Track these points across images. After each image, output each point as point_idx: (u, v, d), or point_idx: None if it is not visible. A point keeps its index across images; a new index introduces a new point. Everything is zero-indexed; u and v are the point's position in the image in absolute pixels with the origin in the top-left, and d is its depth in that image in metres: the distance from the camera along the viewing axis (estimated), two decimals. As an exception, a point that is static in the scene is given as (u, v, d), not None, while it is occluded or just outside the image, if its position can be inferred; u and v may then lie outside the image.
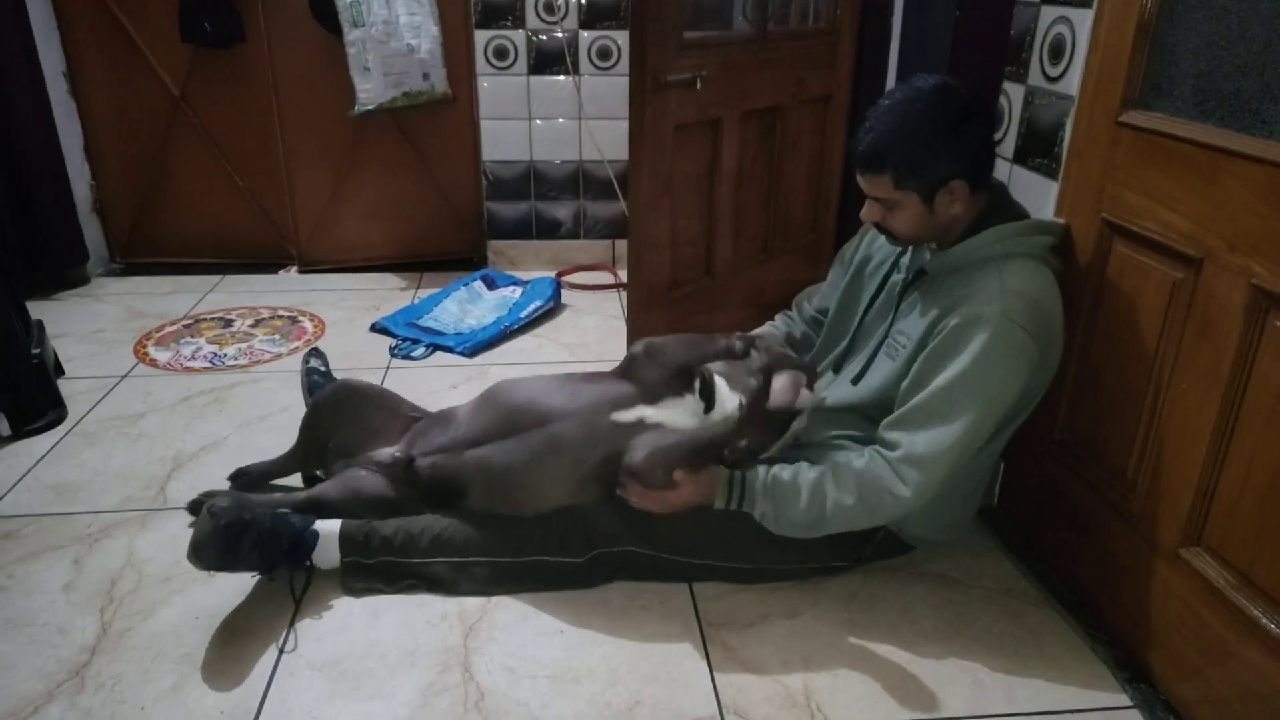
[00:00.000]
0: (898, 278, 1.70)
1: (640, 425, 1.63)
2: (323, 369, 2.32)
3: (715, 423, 1.58)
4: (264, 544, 1.58)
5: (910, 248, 1.68)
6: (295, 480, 1.99)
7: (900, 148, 1.47)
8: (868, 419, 1.65)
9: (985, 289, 1.47)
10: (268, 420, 2.30)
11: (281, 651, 1.53)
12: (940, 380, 1.47)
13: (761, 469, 1.60)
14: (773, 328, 2.09)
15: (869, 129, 1.51)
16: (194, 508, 1.82)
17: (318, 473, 1.98)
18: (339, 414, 1.89)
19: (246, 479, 1.96)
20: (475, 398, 1.82)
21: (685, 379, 1.67)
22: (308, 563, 1.66)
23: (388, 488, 1.75)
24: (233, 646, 1.54)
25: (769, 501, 1.58)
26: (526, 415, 1.68)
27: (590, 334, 2.92)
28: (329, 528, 1.68)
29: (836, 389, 1.75)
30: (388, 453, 1.79)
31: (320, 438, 1.90)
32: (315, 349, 2.41)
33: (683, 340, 1.70)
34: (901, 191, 1.50)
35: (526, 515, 1.69)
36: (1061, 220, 1.67)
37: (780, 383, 1.60)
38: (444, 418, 1.83)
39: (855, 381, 1.70)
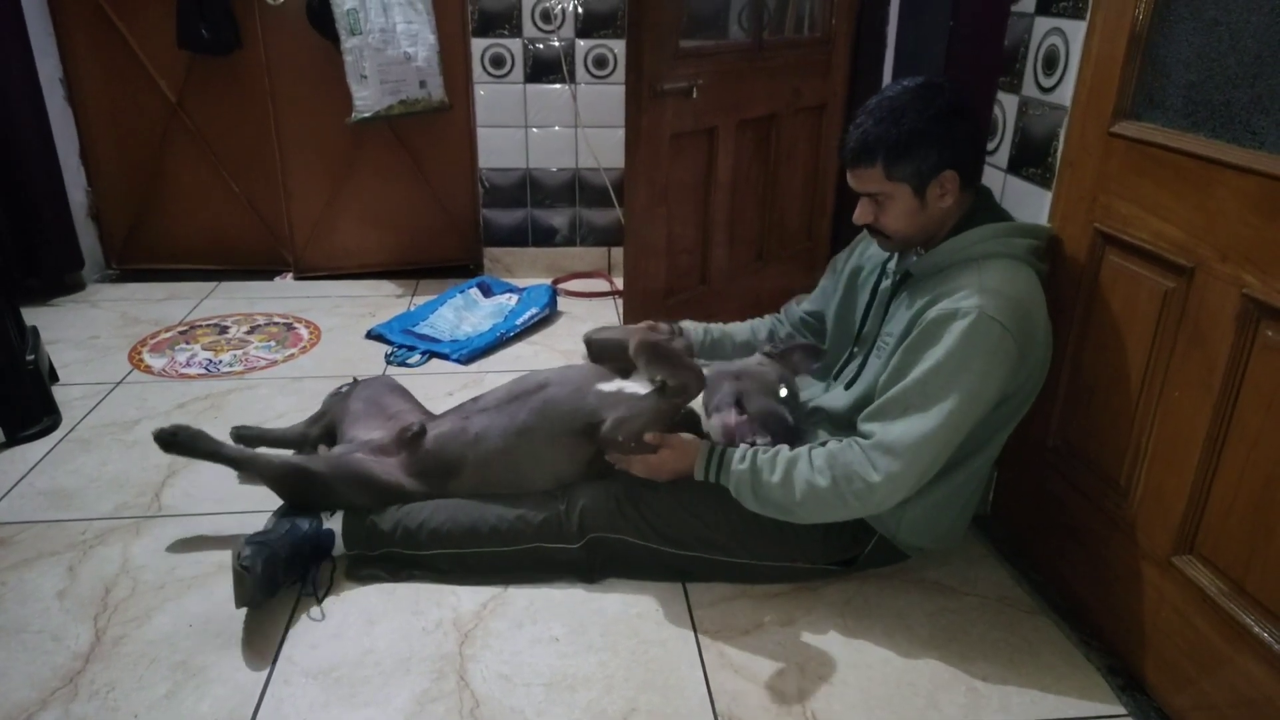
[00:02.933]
0: (887, 283, 1.72)
1: (620, 393, 1.73)
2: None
3: (671, 389, 1.65)
4: (294, 564, 1.65)
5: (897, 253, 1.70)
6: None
7: (888, 137, 1.50)
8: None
9: (964, 286, 1.48)
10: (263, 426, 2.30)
11: (273, 634, 1.54)
12: (916, 372, 1.48)
13: (742, 445, 1.63)
14: (757, 323, 2.09)
15: (857, 125, 1.55)
16: (163, 440, 1.79)
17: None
18: (370, 395, 2.02)
19: (246, 436, 2.03)
20: None
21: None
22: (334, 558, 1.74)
23: (383, 470, 1.78)
24: (227, 654, 1.54)
25: (745, 473, 1.59)
26: (527, 381, 1.84)
27: (586, 341, 2.92)
28: (331, 525, 1.74)
29: (834, 395, 1.76)
30: (400, 427, 1.87)
31: (339, 416, 1.99)
32: (354, 379, 2.43)
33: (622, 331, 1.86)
34: (893, 183, 1.53)
35: (516, 488, 1.75)
36: (1046, 224, 1.68)
37: (716, 420, 1.67)
38: (472, 400, 1.92)
39: (849, 386, 1.73)
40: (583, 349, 1.92)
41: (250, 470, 1.78)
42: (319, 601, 1.66)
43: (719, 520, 1.66)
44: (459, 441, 1.78)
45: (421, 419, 1.91)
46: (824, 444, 1.58)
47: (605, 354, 1.84)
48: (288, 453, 1.92)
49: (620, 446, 1.67)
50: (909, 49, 2.59)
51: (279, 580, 1.61)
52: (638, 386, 1.74)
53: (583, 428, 1.72)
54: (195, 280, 3.42)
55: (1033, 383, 1.59)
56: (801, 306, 2.02)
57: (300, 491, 1.75)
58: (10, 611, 1.63)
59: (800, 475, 1.54)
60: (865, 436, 1.53)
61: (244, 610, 1.63)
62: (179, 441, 1.78)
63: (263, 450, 1.81)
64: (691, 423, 1.74)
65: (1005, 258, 1.53)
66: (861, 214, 1.61)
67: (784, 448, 1.60)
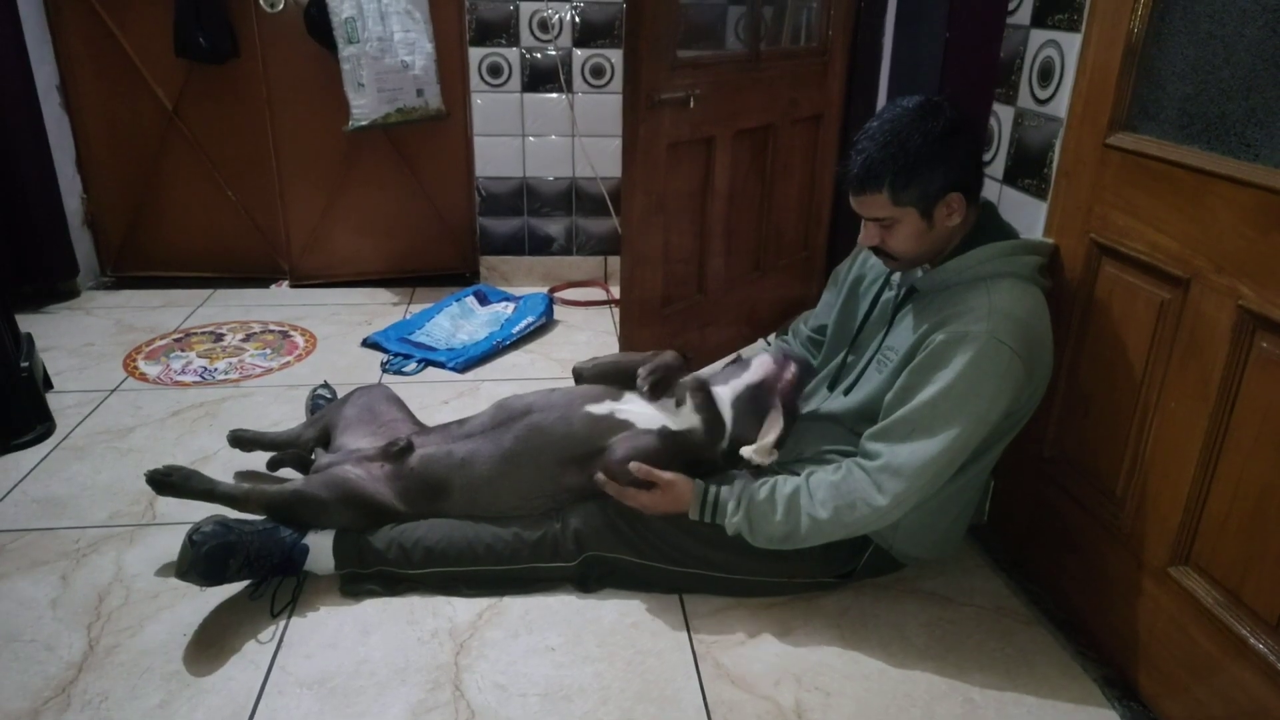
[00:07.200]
0: (889, 295, 1.72)
1: (611, 418, 1.72)
2: (328, 395, 2.34)
3: (672, 423, 1.66)
4: (252, 563, 1.63)
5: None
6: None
7: (893, 162, 1.48)
8: (853, 431, 1.66)
9: (973, 308, 1.48)
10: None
11: (266, 643, 1.54)
12: (925, 395, 1.48)
13: (738, 484, 1.62)
14: (763, 349, 2.10)
15: (860, 151, 1.51)
16: (155, 482, 1.76)
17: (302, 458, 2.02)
18: (366, 402, 2.01)
19: (242, 440, 2.06)
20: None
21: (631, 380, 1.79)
22: (301, 574, 1.70)
23: (375, 488, 1.76)
24: (221, 663, 1.53)
25: (742, 518, 1.59)
26: (513, 406, 1.81)
27: (582, 350, 2.92)
28: (321, 541, 1.71)
29: (829, 402, 1.76)
30: (389, 436, 1.86)
31: (334, 421, 1.99)
32: (325, 383, 2.43)
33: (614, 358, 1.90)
34: (900, 208, 1.51)
35: (504, 513, 1.74)
36: (1050, 240, 1.69)
37: (758, 364, 1.74)
38: (458, 421, 1.89)
39: (847, 392, 1.72)
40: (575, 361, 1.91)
41: (246, 506, 1.74)
42: (273, 615, 1.64)
43: (715, 538, 1.65)
44: (444, 464, 1.76)
45: (411, 432, 1.89)
46: (813, 473, 1.59)
47: (596, 382, 1.83)
48: (282, 482, 1.88)
49: (620, 476, 1.66)
50: (905, 60, 2.60)
51: (227, 571, 1.59)
52: (629, 408, 1.74)
53: (573, 456, 1.71)
54: (190, 288, 3.42)
55: (1035, 398, 1.59)
56: (808, 325, 2.02)
57: (296, 515, 1.73)
58: (3, 620, 1.62)
59: (802, 510, 1.55)
60: (869, 456, 1.53)
61: (238, 620, 1.62)
62: (172, 483, 1.74)
63: (255, 486, 1.79)
64: (688, 448, 1.72)
65: (1012, 277, 1.52)
66: (868, 237, 1.58)
67: (778, 481, 1.60)
